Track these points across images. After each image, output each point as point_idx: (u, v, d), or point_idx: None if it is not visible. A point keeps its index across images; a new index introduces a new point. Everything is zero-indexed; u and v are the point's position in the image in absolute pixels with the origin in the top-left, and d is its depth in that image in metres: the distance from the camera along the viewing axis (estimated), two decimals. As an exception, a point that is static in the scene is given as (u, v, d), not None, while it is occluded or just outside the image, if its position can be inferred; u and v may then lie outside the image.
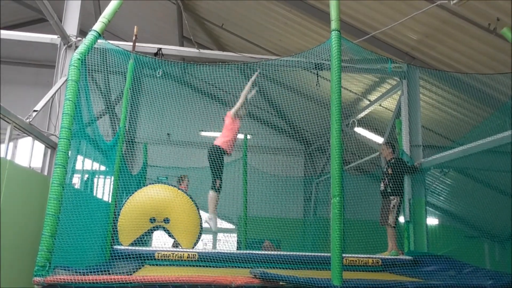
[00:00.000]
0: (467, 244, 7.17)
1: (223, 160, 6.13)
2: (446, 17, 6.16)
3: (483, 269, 5.31)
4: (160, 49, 7.34)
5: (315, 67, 6.89)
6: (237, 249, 8.95)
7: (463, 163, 6.45)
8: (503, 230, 7.12)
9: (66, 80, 4.43)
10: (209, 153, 6.10)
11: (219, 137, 6.33)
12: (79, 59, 4.07)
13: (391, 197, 6.36)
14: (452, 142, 7.02)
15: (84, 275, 3.72)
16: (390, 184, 6.37)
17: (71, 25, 7.09)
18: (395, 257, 5.84)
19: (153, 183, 6.86)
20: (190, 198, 6.18)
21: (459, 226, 7.55)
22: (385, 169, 6.55)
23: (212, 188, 6.10)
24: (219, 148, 6.13)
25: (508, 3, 5.46)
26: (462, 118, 7.82)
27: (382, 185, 6.51)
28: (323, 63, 6.74)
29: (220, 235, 12.35)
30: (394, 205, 6.33)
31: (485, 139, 5.60)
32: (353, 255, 5.64)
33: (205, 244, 11.55)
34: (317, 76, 6.96)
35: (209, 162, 6.08)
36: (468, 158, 6.05)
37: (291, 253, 5.73)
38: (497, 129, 5.63)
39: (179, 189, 6.36)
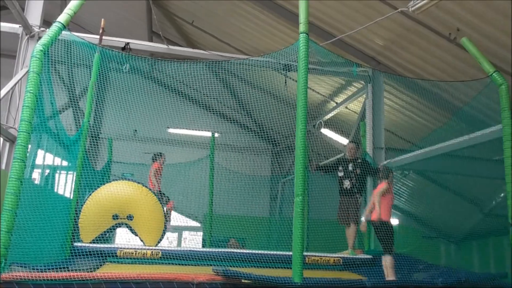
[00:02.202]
0: (425, 244, 7.44)
1: None
2: (410, 25, 6.38)
3: (436, 266, 5.57)
4: (128, 43, 7.22)
5: (284, 68, 6.98)
6: (202, 247, 8.94)
7: (423, 165, 6.71)
8: (458, 231, 7.45)
9: (27, 71, 4.30)
10: None
11: None
12: (41, 50, 3.96)
13: (358, 196, 6.43)
14: (412, 145, 7.28)
15: (41, 272, 3.63)
16: (357, 184, 6.43)
17: (34, 14, 6.85)
18: (355, 256, 5.98)
19: (117, 180, 6.74)
20: (155, 194, 6.12)
21: (418, 226, 7.83)
22: (351, 168, 6.51)
23: None
24: None
25: (468, 14, 5.72)
26: (422, 122, 8.11)
27: (348, 183, 6.45)
28: (292, 64, 6.83)
29: (185, 233, 12.28)
30: (360, 204, 6.43)
31: (443, 143, 5.85)
32: (315, 254, 5.75)
33: (170, 242, 11.46)
34: (285, 77, 7.04)
35: None
36: (427, 161, 6.30)
37: (255, 251, 5.77)
38: (455, 134, 5.89)
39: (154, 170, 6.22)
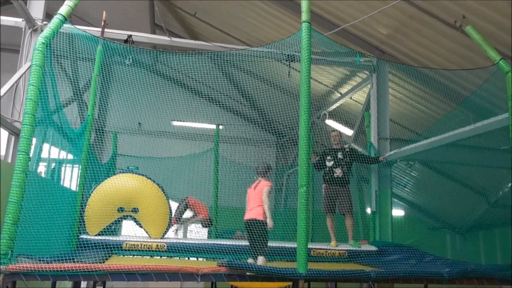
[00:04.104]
0: (430, 235, 7.41)
1: None
2: (414, 13, 6.31)
3: (442, 258, 5.54)
4: (130, 36, 7.20)
5: (287, 59, 6.92)
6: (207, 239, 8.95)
7: (428, 156, 6.66)
8: (463, 222, 7.41)
9: (31, 65, 4.30)
10: None
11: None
12: (43, 43, 3.96)
13: (349, 186, 6.28)
14: (417, 135, 7.22)
15: (47, 263, 3.66)
16: (347, 172, 6.28)
17: (36, 8, 6.85)
18: (360, 248, 5.94)
19: (122, 173, 6.76)
20: (160, 187, 6.13)
21: (423, 217, 7.80)
22: (341, 156, 6.32)
23: None
24: None
25: (474, 1, 5.64)
26: (428, 112, 8.05)
27: (339, 172, 6.22)
28: (295, 55, 6.77)
29: (191, 226, 12.31)
30: (351, 193, 6.29)
31: (449, 133, 5.79)
32: (320, 247, 5.74)
33: (176, 235, 11.48)
34: (289, 67, 6.99)
35: None
36: (433, 151, 6.25)
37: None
38: (460, 123, 5.83)
39: None
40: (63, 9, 4.29)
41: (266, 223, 4.72)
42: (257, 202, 4.80)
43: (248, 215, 4.83)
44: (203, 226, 7.18)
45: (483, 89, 5.90)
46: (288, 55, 6.81)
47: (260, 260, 4.60)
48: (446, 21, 6.17)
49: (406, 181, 7.67)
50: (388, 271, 4.36)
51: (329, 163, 6.36)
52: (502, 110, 5.15)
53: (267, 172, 5.03)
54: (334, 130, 6.80)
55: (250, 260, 4.72)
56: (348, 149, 6.47)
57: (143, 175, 6.32)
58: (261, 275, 3.94)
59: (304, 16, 4.33)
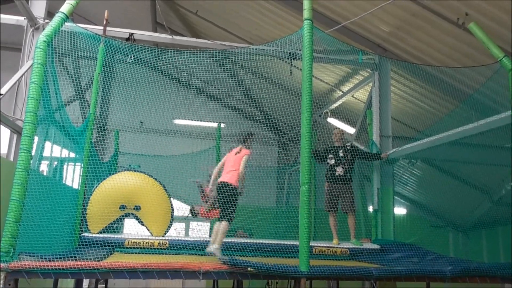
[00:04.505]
0: (432, 233, 7.40)
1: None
2: (417, 10, 6.28)
3: (444, 256, 5.52)
4: (132, 34, 7.19)
5: (289, 57, 6.91)
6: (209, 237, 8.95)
7: (430, 154, 6.64)
8: (466, 220, 7.39)
9: (32, 63, 4.30)
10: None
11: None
12: (45, 41, 3.96)
13: (351, 184, 6.30)
14: (419, 133, 7.20)
15: (50, 261, 3.66)
16: (350, 170, 6.30)
17: (38, 7, 6.86)
18: (362, 246, 5.94)
19: (124, 171, 6.76)
20: (161, 185, 6.13)
21: (425, 215, 7.78)
22: (342, 154, 6.34)
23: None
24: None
25: (476, -1, 5.62)
26: (430, 110, 8.02)
27: (340, 170, 6.24)
28: (297, 53, 6.76)
29: (193, 224, 12.33)
30: (353, 192, 6.30)
31: (452, 130, 5.77)
32: (322, 245, 5.74)
33: (178, 233, 11.52)
34: (291, 65, 6.97)
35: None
36: (435, 149, 6.23)
37: (262, 241, 5.79)
38: (463, 121, 5.81)
39: None
40: (65, 8, 4.29)
41: (237, 188, 4.65)
42: (234, 167, 4.74)
43: (222, 178, 4.74)
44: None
45: (486, 87, 5.88)
46: (290, 53, 6.80)
47: (223, 225, 4.53)
48: (449, 18, 6.14)
49: (409, 179, 7.65)
50: (390, 269, 4.35)
51: (331, 161, 6.37)
52: (505, 108, 5.12)
53: (247, 139, 4.95)
54: (336, 127, 6.79)
55: (217, 224, 4.65)
56: (349, 147, 6.46)
57: (145, 173, 6.33)
58: (263, 272, 3.94)
59: (306, 13, 4.32)
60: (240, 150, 4.88)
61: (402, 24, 6.77)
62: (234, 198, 4.60)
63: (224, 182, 4.69)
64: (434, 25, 6.42)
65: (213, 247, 4.47)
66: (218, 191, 4.71)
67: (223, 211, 4.59)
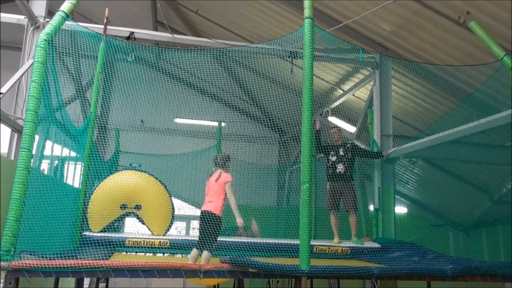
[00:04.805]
0: (433, 232, 7.40)
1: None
2: (418, 9, 6.27)
3: (445, 255, 5.52)
4: (133, 33, 7.18)
5: (290, 56, 6.90)
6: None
7: (431, 153, 6.64)
8: (466, 219, 7.39)
9: (33, 62, 4.30)
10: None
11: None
12: (45, 40, 3.96)
13: (352, 182, 6.30)
14: (419, 131, 7.19)
15: (50, 260, 3.66)
16: (350, 168, 6.30)
17: (38, 5, 6.85)
18: (363, 245, 5.94)
19: (125, 170, 6.76)
20: (162, 184, 6.13)
21: (426, 214, 7.77)
22: (343, 153, 6.34)
23: None
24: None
25: (478, -3, 5.60)
26: (431, 109, 8.01)
27: (341, 168, 6.24)
28: (297, 52, 6.75)
29: (194, 223, 12.34)
30: (355, 189, 6.29)
31: (452, 129, 5.77)
32: (323, 244, 5.74)
33: (179, 232, 11.53)
34: (292, 64, 6.96)
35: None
36: (436, 148, 6.22)
37: (263, 240, 5.79)
38: (464, 120, 5.80)
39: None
40: (65, 6, 4.29)
41: (221, 218, 4.56)
42: (217, 194, 4.61)
43: (206, 207, 4.62)
44: None
45: (487, 86, 5.87)
46: (290, 51, 6.79)
47: (205, 255, 4.40)
48: (450, 17, 6.12)
49: (409, 178, 7.65)
50: (391, 268, 4.35)
51: (332, 158, 6.38)
52: (505, 106, 5.12)
53: (225, 163, 4.82)
54: (333, 127, 6.78)
55: (194, 251, 4.51)
56: (349, 145, 6.46)
57: (145, 172, 6.34)
58: (264, 271, 3.93)
59: (307, 12, 4.32)
60: (220, 174, 4.73)
61: (404, 23, 6.76)
62: (217, 228, 4.50)
63: (207, 211, 4.56)
64: (436, 24, 6.40)
65: None
66: (201, 219, 4.59)
67: (205, 240, 4.47)
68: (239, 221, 4.60)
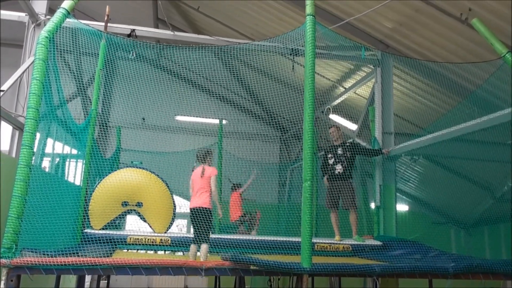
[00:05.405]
0: (434, 230, 7.39)
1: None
2: (420, 6, 6.24)
3: (447, 253, 5.51)
4: (134, 30, 7.17)
5: (291, 53, 6.88)
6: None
7: (432, 150, 6.62)
8: (468, 217, 7.38)
9: (34, 59, 4.29)
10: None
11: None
12: (46, 37, 3.95)
13: (351, 180, 6.30)
14: (421, 129, 7.18)
15: (52, 257, 3.66)
16: (349, 167, 6.30)
17: (39, 3, 6.84)
18: (364, 243, 5.94)
19: (126, 167, 6.76)
20: (163, 182, 6.13)
21: (427, 212, 7.76)
22: (341, 152, 6.34)
23: None
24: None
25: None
26: (433, 106, 7.99)
27: (340, 168, 6.26)
28: (299, 49, 6.73)
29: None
30: (354, 188, 6.29)
31: (454, 127, 5.75)
32: (324, 241, 5.73)
33: (180, 229, 11.54)
34: (293, 61, 6.95)
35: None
36: (437, 145, 6.21)
37: (264, 238, 5.78)
38: (466, 117, 5.79)
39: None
40: (66, 3, 4.28)
41: (211, 210, 4.60)
42: (203, 189, 4.65)
43: (194, 203, 4.63)
44: None
45: (489, 83, 5.84)
46: (292, 49, 6.77)
47: (204, 247, 4.45)
48: (452, 14, 6.10)
49: (411, 176, 7.64)
50: (393, 266, 4.34)
51: (331, 161, 6.41)
52: (507, 104, 5.10)
53: (206, 157, 4.84)
54: (331, 126, 6.76)
55: (192, 247, 4.55)
56: (348, 143, 6.46)
57: (147, 169, 6.33)
58: (265, 269, 3.93)
59: (309, 9, 4.30)
60: (204, 169, 4.74)
61: (405, 20, 6.74)
62: (210, 221, 4.54)
63: (196, 208, 4.59)
64: (437, 21, 6.38)
65: None
66: (192, 216, 4.62)
67: (200, 234, 4.51)
68: (220, 212, 4.70)
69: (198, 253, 4.53)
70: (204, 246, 4.46)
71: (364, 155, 6.64)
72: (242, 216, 7.26)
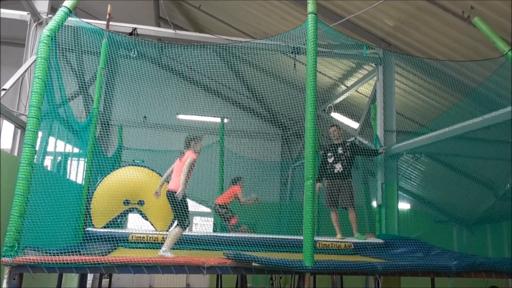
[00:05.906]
0: (436, 228, 7.38)
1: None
2: (422, 4, 6.22)
3: (449, 251, 5.50)
4: (135, 29, 7.17)
5: (293, 51, 6.87)
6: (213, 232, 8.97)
7: (435, 148, 6.61)
8: (471, 215, 7.36)
9: (36, 58, 4.30)
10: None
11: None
12: (48, 35, 3.95)
13: (349, 180, 6.31)
14: (422, 127, 7.16)
15: (54, 256, 3.67)
16: (348, 166, 6.31)
17: (41, 2, 6.85)
18: (366, 241, 5.94)
19: (128, 166, 6.76)
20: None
21: (429, 210, 7.75)
22: (341, 151, 6.37)
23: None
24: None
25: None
26: (435, 104, 7.97)
27: (339, 167, 6.29)
28: (300, 47, 6.72)
29: (197, 219, 12.36)
30: (353, 187, 6.30)
31: (456, 125, 5.74)
32: (326, 239, 5.73)
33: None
34: (295, 60, 6.94)
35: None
36: (439, 143, 6.20)
37: (266, 236, 5.79)
38: (468, 115, 5.77)
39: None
40: (68, 2, 4.28)
41: (185, 195, 4.62)
42: (179, 172, 4.69)
43: (169, 186, 4.71)
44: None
45: (491, 81, 5.83)
46: (293, 47, 6.76)
47: (176, 230, 4.51)
48: (454, 12, 6.08)
49: (413, 174, 7.62)
50: (395, 264, 4.33)
51: (330, 160, 6.43)
52: (510, 102, 5.08)
53: (189, 143, 4.88)
54: (331, 125, 6.77)
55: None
56: (349, 143, 6.47)
57: (148, 167, 6.34)
58: (267, 267, 3.93)
59: (310, 7, 4.28)
60: (183, 153, 4.81)
61: (407, 18, 6.72)
62: (183, 203, 4.58)
63: (169, 190, 4.67)
64: (439, 19, 6.36)
65: (161, 250, 4.40)
66: (167, 199, 4.70)
67: (175, 217, 4.62)
68: (180, 193, 4.55)
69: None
70: (176, 229, 4.51)
71: (364, 155, 6.65)
72: (220, 205, 7.13)
